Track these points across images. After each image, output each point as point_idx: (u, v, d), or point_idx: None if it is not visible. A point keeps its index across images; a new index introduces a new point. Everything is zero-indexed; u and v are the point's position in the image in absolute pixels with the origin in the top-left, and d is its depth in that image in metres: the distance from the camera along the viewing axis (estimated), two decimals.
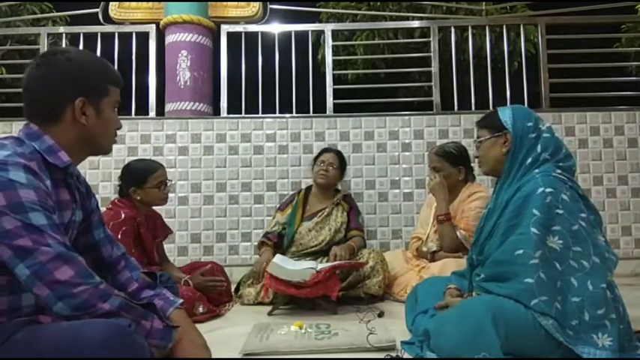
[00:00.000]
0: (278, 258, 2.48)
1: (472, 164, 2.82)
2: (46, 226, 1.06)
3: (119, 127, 1.32)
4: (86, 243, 1.34)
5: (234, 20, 3.97)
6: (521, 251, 1.54)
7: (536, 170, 1.66)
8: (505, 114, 1.77)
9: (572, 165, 1.71)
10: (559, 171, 1.65)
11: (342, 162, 3.02)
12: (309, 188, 3.08)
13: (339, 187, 3.17)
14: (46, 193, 1.11)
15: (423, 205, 3.09)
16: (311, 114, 3.80)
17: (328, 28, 4.03)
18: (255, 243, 3.51)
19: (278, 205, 3.20)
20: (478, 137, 1.86)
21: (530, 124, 1.72)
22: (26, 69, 1.21)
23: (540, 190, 1.58)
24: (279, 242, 2.94)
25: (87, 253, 1.32)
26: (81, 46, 3.89)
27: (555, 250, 1.54)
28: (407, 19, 4.90)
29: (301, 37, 3.95)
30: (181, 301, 1.36)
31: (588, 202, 1.66)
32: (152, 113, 3.78)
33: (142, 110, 3.80)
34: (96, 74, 1.24)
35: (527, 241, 1.54)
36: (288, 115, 3.73)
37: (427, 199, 3.10)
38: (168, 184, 2.52)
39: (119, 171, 2.53)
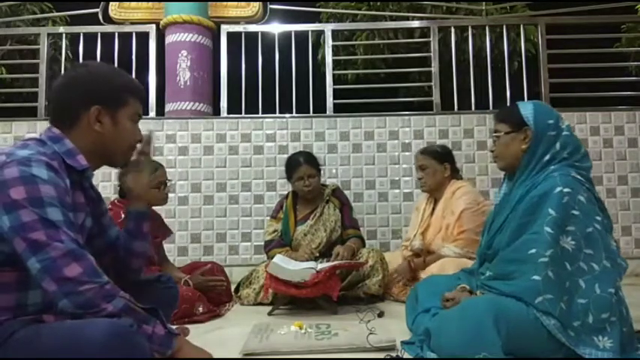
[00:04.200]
0: (278, 258, 2.48)
1: (457, 164, 2.89)
2: (61, 222, 1.09)
3: (139, 140, 1.36)
4: (103, 244, 1.37)
5: (234, 20, 3.97)
6: (534, 250, 1.53)
7: (552, 167, 1.65)
8: (527, 109, 1.73)
9: (589, 166, 1.70)
10: (575, 171, 1.64)
11: (315, 164, 2.84)
12: (295, 192, 2.93)
13: (325, 182, 3.09)
14: (65, 191, 1.14)
15: (413, 210, 3.09)
16: (311, 114, 3.81)
17: (328, 28, 4.03)
18: (256, 243, 3.52)
19: (271, 215, 3.02)
20: (496, 131, 1.80)
21: (551, 121, 1.70)
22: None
23: (558, 189, 1.57)
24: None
25: (104, 254, 1.35)
26: (81, 46, 3.90)
27: (567, 250, 1.54)
28: (407, 19, 4.91)
29: (301, 37, 3.95)
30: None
31: (602, 206, 1.65)
32: (152, 113, 3.79)
33: (142, 110, 3.79)
34: (114, 85, 1.28)
35: (540, 241, 1.53)
36: (288, 115, 3.73)
37: (415, 202, 3.10)
38: (168, 185, 2.52)
39: (119, 171, 2.53)
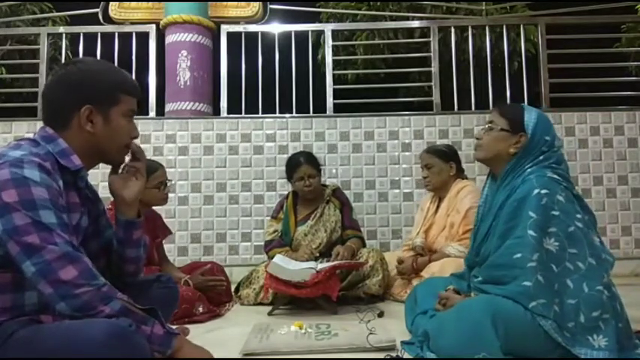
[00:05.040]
0: (278, 258, 2.48)
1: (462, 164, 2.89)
2: (55, 224, 1.07)
3: (135, 136, 1.32)
4: (99, 246, 1.36)
5: (234, 20, 3.97)
6: (519, 255, 1.53)
7: (529, 170, 1.65)
8: (531, 117, 1.71)
9: (565, 164, 1.70)
10: (551, 171, 1.64)
11: (316, 164, 2.84)
12: (295, 192, 2.92)
13: (325, 182, 3.09)
14: (58, 193, 1.13)
15: (417, 209, 3.09)
16: (311, 114, 3.81)
17: (328, 28, 4.04)
18: (256, 243, 3.53)
19: (271, 215, 3.02)
20: (492, 122, 1.76)
21: (548, 138, 1.69)
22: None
23: (536, 191, 1.57)
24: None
25: (101, 256, 1.34)
26: (81, 46, 3.91)
27: (551, 252, 1.54)
28: (407, 19, 4.90)
29: (301, 37, 3.95)
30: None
31: (582, 202, 1.65)
32: (152, 113, 3.79)
33: (142, 110, 3.79)
34: (105, 83, 1.25)
35: (525, 245, 1.53)
36: (288, 115, 3.73)
37: (418, 201, 3.11)
38: (168, 185, 2.52)
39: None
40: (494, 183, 1.81)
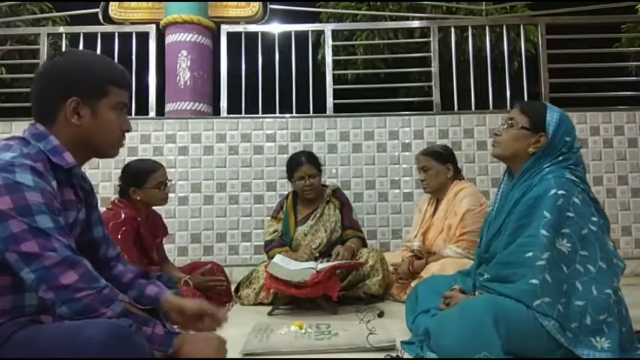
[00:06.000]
0: (278, 258, 2.48)
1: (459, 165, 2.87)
2: (52, 229, 1.06)
3: (127, 130, 1.29)
4: (86, 241, 1.34)
5: (234, 20, 3.97)
6: (530, 254, 1.52)
7: (547, 169, 1.64)
8: (553, 116, 1.69)
9: (583, 167, 1.70)
10: (569, 172, 1.63)
11: (317, 164, 2.84)
12: (295, 192, 2.92)
13: (325, 182, 3.08)
14: (53, 195, 1.10)
15: (415, 210, 3.09)
16: (311, 114, 3.81)
17: (328, 28, 4.04)
18: (256, 243, 3.53)
19: (271, 215, 3.02)
20: (512, 118, 1.72)
21: (568, 139, 1.67)
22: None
23: (552, 191, 1.56)
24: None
25: (86, 251, 1.31)
26: (81, 46, 3.90)
27: (563, 252, 1.53)
28: (407, 19, 4.91)
29: (301, 37, 3.95)
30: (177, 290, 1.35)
31: (598, 206, 1.64)
32: (152, 113, 3.78)
33: (142, 110, 3.80)
34: (93, 74, 1.21)
35: (537, 244, 1.53)
36: (288, 115, 3.73)
37: (417, 202, 3.10)
38: (169, 185, 2.52)
39: (119, 171, 2.52)
40: (510, 180, 1.79)
